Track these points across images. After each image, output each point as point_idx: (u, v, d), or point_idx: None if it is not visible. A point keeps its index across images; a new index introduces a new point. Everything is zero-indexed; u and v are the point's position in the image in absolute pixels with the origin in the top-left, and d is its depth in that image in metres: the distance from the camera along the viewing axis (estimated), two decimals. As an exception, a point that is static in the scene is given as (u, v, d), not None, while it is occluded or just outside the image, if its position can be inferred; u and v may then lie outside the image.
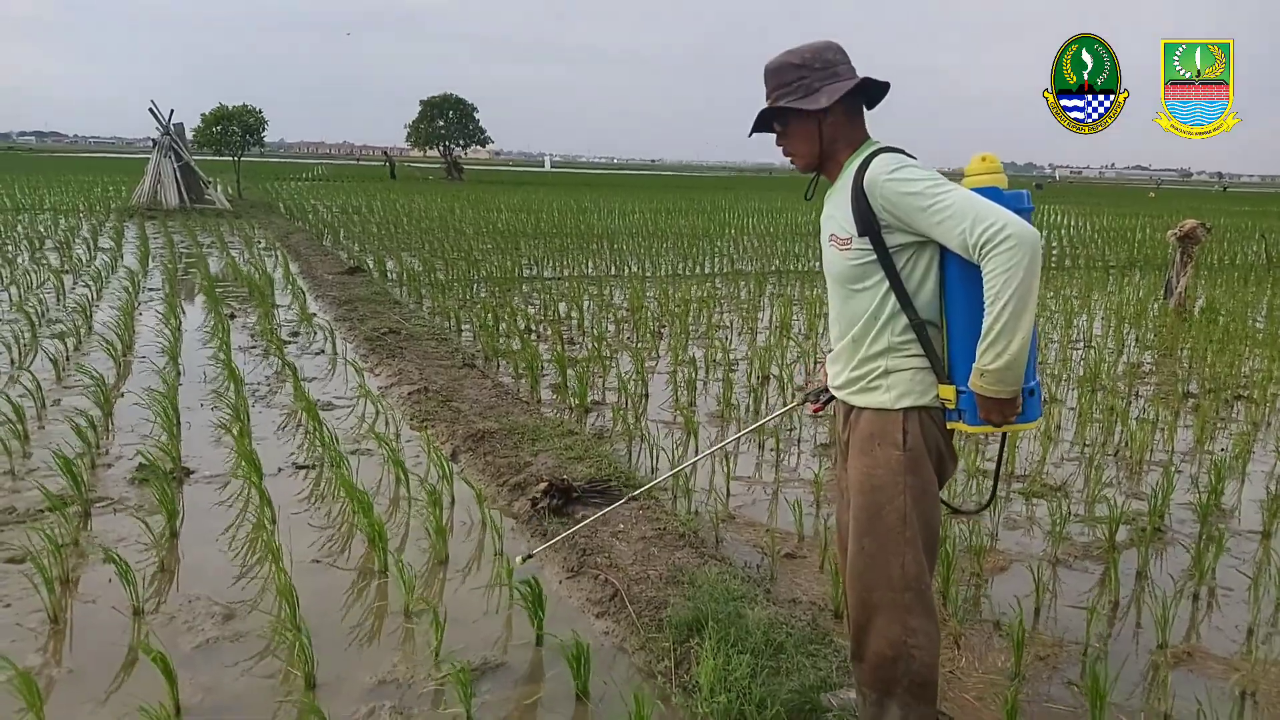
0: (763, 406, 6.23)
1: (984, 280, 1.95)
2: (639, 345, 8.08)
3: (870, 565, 2.18)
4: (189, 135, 27.56)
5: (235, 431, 5.02)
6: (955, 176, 2.23)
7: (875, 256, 2.11)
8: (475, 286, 11.48)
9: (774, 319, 9.56)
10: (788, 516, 4.27)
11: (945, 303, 2.12)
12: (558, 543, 3.60)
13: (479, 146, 64.97)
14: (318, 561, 3.70)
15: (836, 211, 2.19)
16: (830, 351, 2.36)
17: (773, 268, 14.23)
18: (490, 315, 8.99)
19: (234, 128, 28.86)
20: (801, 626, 3.12)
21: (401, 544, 3.92)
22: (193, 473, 4.60)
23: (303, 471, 4.72)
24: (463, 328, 8.89)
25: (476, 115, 60.35)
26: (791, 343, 8.21)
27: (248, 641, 3.07)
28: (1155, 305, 10.67)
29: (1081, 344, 8.70)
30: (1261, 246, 18.00)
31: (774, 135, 2.25)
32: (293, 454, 4.98)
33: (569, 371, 6.64)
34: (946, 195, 1.99)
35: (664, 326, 9.10)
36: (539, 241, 17.42)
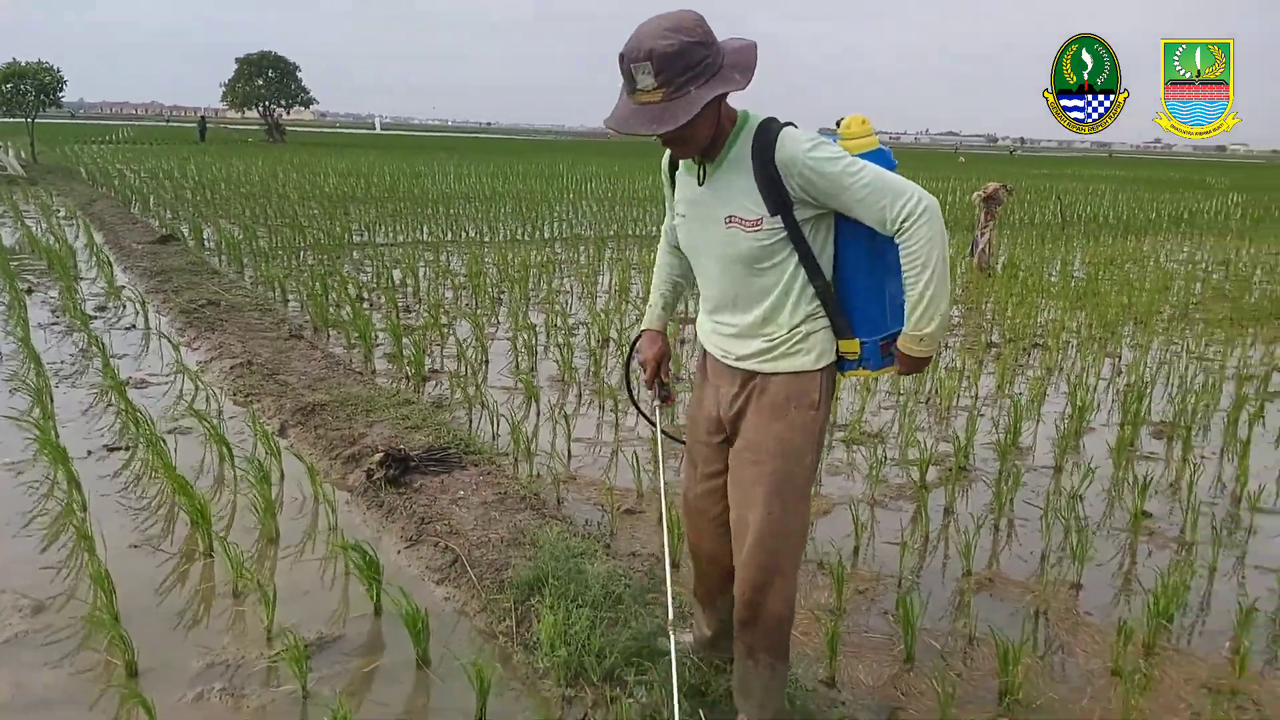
0: (603, 369, 6.31)
1: (905, 252, 1.99)
2: (478, 312, 8.00)
3: (778, 529, 2.17)
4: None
5: (37, 414, 4.66)
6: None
7: (786, 233, 2.05)
8: (302, 254, 11.00)
9: (613, 283, 9.66)
10: (627, 474, 4.38)
11: (840, 262, 2.16)
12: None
13: (302, 107, 61.89)
14: (136, 547, 3.51)
15: (732, 192, 2.07)
16: (712, 328, 2.27)
17: (611, 232, 14.33)
18: (319, 284, 8.64)
19: (27, 86, 26.22)
20: (639, 578, 3.23)
21: (228, 524, 3.77)
22: (-9, 461, 4.25)
23: (115, 454, 4.44)
24: (289, 297, 8.52)
25: (299, 75, 57.41)
26: (630, 306, 8.32)
27: (61, 634, 2.90)
28: (962, 263, 11.45)
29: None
30: (1057, 207, 19.56)
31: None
32: (103, 436, 4.67)
33: (405, 340, 6.51)
34: (863, 173, 1.98)
35: (503, 292, 9.03)
36: (370, 206, 16.84)
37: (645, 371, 2.48)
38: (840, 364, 2.22)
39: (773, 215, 2.02)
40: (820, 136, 2.05)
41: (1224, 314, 8.78)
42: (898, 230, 1.98)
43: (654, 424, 2.41)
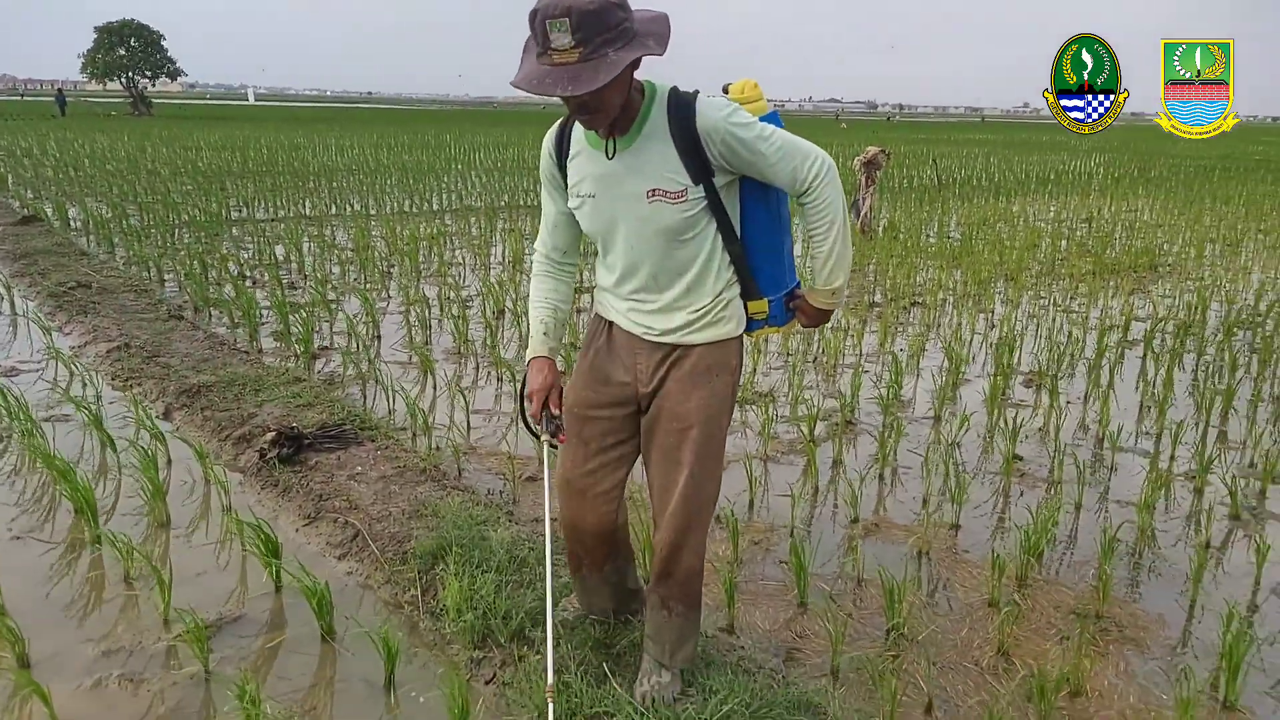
0: (499, 340, 6.30)
1: (813, 210, 2.06)
2: (367, 286, 7.85)
3: (698, 490, 2.22)
4: None
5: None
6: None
7: (707, 202, 2.06)
8: (177, 232, 10.53)
9: (506, 254, 9.60)
10: (528, 443, 4.42)
11: (743, 225, 2.19)
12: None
13: (168, 79, 58.76)
14: (18, 538, 3.37)
15: (652, 165, 2.02)
16: (629, 306, 2.23)
17: (503, 203, 14.18)
18: (197, 262, 8.32)
19: None
20: (543, 542, 3.28)
21: (113, 510, 3.65)
22: None
23: (-13, 445, 4.22)
24: (166, 277, 8.17)
25: (164, 44, 54.42)
26: (523, 276, 8.29)
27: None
28: (848, 226, 11.76)
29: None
30: (933, 170, 20.29)
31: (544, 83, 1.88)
32: (-29, 427, 4.43)
33: (291, 317, 6.34)
34: (774, 138, 2.01)
35: (393, 266, 8.87)
36: (247, 181, 16.19)
37: (532, 403, 2.32)
38: (748, 324, 2.27)
39: (695, 185, 2.02)
40: (733, 103, 2.06)
41: (1087, 268, 9.32)
42: (806, 189, 2.04)
43: (552, 444, 2.34)
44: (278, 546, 3.07)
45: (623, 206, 2.08)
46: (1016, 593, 3.21)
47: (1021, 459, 4.40)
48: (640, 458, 2.39)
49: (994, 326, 6.98)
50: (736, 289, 2.20)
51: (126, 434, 4.27)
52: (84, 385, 4.97)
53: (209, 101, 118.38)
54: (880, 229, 11.65)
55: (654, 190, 2.02)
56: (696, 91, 2.04)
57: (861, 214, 11.23)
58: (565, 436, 2.36)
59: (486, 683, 2.56)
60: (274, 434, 3.94)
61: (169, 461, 4.04)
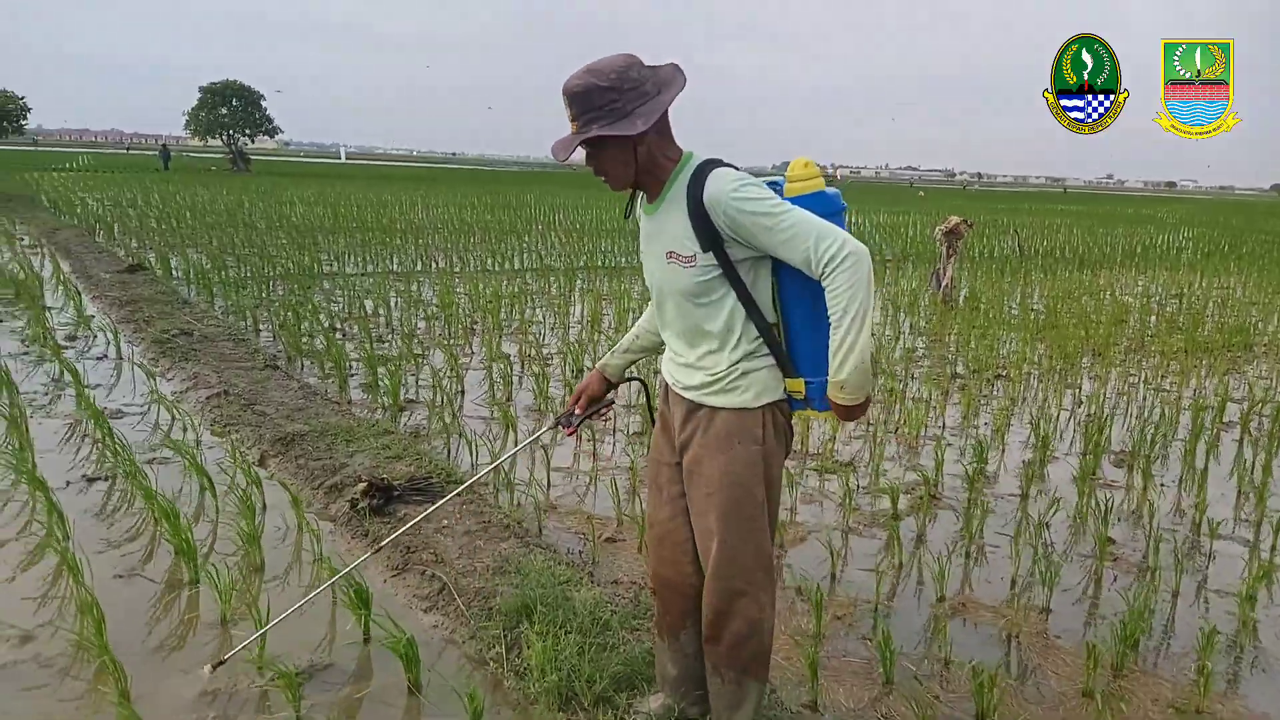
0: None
1: (828, 296, 2.02)
2: (451, 342, 8.04)
3: (732, 557, 2.24)
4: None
5: (15, 444, 4.63)
6: (757, 174, 2.38)
7: (721, 271, 2.12)
8: (272, 284, 10.98)
9: (585, 313, 9.75)
10: (606, 502, 4.45)
11: (782, 302, 2.20)
12: (384, 546, 3.58)
13: (267, 136, 61.66)
14: (121, 576, 3.51)
15: (671, 229, 2.16)
16: (669, 357, 2.37)
17: (581, 263, 14.44)
18: (291, 314, 8.65)
19: (-10, 114, 25.90)
20: (624, 604, 3.29)
21: (209, 553, 3.78)
22: (-34, 493, 4.21)
23: (94, 484, 4.42)
24: (261, 328, 8.50)
25: (264, 103, 57.25)
26: (602, 336, 8.41)
27: (51, 663, 2.90)
28: (925, 295, 11.69)
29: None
30: (1015, 241, 20.03)
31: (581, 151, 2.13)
32: (80, 466, 4.65)
33: (380, 370, 6.53)
34: (788, 215, 2.03)
35: (476, 322, 9.08)
36: (339, 236, 16.81)
37: (571, 400, 2.63)
38: (790, 402, 2.26)
39: (705, 252, 2.10)
40: (748, 177, 2.10)
41: (1178, 346, 9.05)
42: (822, 274, 2.02)
43: (556, 429, 2.61)
44: (369, 597, 3.14)
45: (653, 264, 2.26)
46: (1112, 683, 3.09)
47: (1114, 542, 4.26)
48: None
49: (1081, 403, 6.81)
50: (761, 362, 2.21)
51: (223, 479, 4.43)
52: (184, 430, 5.18)
53: (302, 159, 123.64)
54: (961, 299, 11.52)
55: (670, 252, 2.17)
56: (715, 163, 2.14)
57: (943, 284, 11.13)
58: (572, 431, 2.62)
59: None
60: (365, 484, 4.04)
61: (264, 507, 4.17)
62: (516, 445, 2.57)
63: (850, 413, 2.15)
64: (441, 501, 3.38)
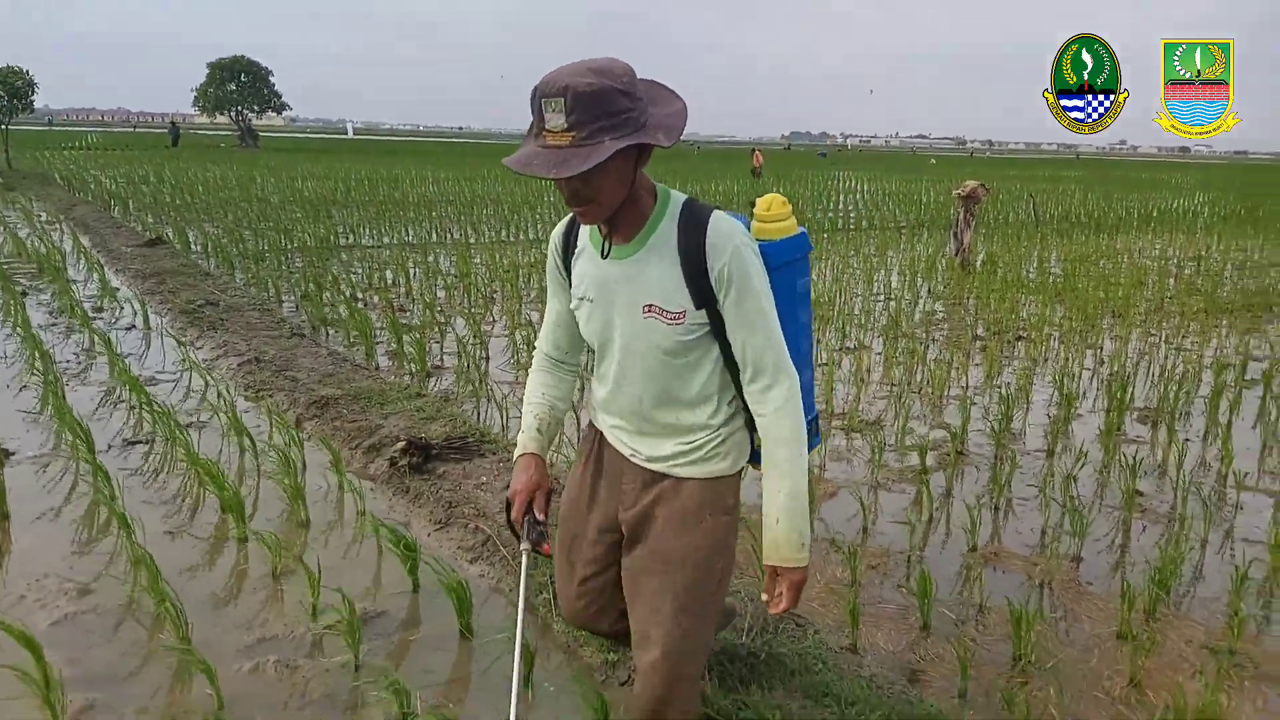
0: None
1: (770, 437, 1.85)
2: (472, 310, 8.09)
3: (685, 641, 1.93)
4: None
5: (52, 409, 4.71)
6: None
7: (709, 328, 1.84)
8: (290, 256, 11.03)
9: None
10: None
11: None
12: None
13: (274, 113, 61.57)
14: (170, 534, 3.59)
15: (653, 278, 1.83)
16: (617, 423, 2.03)
17: (594, 233, 14.43)
18: (312, 284, 8.71)
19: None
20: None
21: (254, 510, 3.86)
22: (12, 454, 4.30)
23: (134, 447, 4.50)
24: (283, 298, 8.57)
25: (272, 79, 57.10)
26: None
27: (110, 613, 2.98)
28: (942, 260, 11.68)
29: (882, 296, 9.44)
30: (1029, 205, 19.93)
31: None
32: (120, 430, 4.73)
33: (405, 337, 6.60)
34: (768, 309, 1.83)
35: (495, 291, 9.13)
36: (351, 210, 16.85)
37: (513, 506, 2.09)
38: (752, 456, 2.04)
39: (697, 309, 1.82)
40: (754, 241, 1.87)
41: (1198, 307, 9.05)
42: (764, 403, 1.85)
43: (535, 553, 2.08)
44: (416, 548, 3.21)
45: (618, 316, 1.89)
46: (1145, 626, 3.15)
47: (1142, 494, 4.30)
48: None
49: (1103, 363, 6.84)
50: (739, 422, 1.98)
51: (260, 441, 4.51)
52: (218, 395, 5.25)
53: (309, 134, 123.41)
54: (978, 263, 11.50)
55: (650, 306, 1.84)
56: (714, 208, 1.85)
57: (961, 247, 11.12)
58: (549, 547, 2.12)
59: (621, 684, 2.63)
60: (404, 443, 4.11)
61: (303, 467, 4.25)
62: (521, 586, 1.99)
63: (802, 579, 1.88)
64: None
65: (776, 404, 1.83)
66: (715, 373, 1.90)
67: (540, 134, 1.65)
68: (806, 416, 1.92)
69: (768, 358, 1.82)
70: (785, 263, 1.93)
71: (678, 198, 1.86)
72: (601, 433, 2.10)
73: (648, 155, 1.76)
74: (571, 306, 2.02)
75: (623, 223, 1.83)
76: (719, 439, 1.95)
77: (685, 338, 1.84)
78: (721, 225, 1.80)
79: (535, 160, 1.64)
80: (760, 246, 1.88)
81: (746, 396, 1.88)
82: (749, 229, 1.93)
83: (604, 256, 1.87)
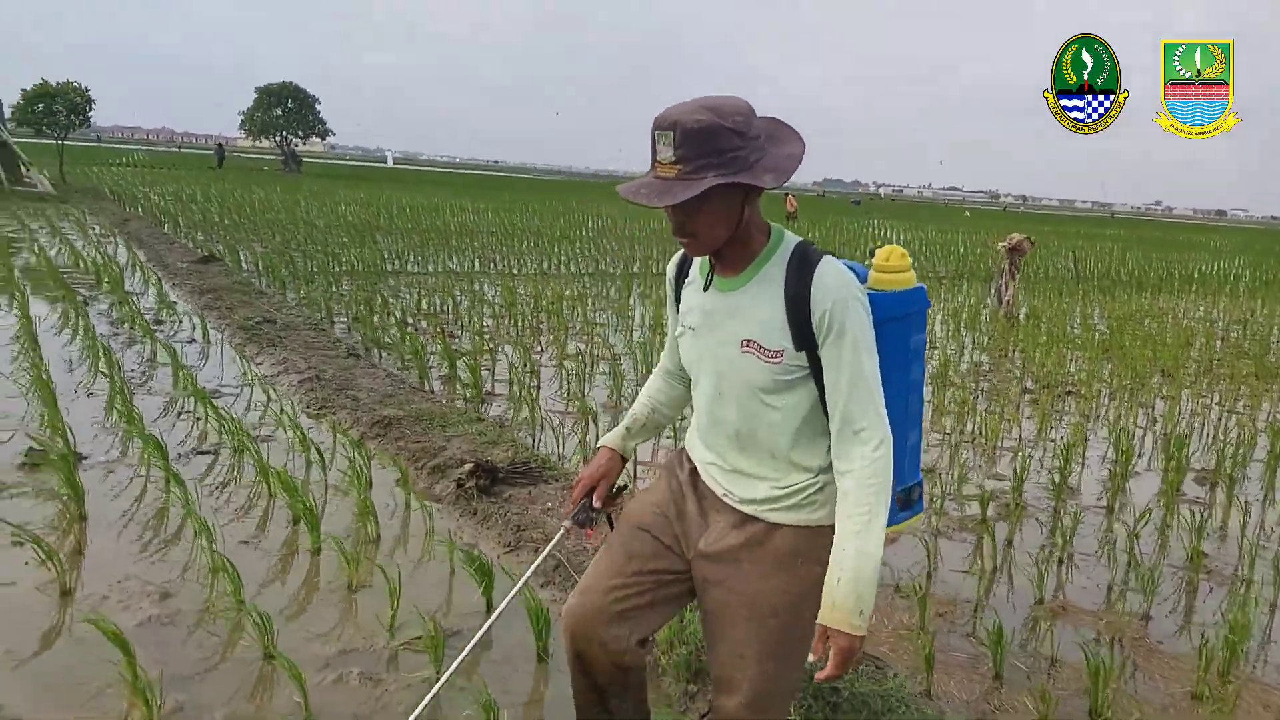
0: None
1: (852, 490, 1.75)
2: (520, 339, 8.18)
3: (771, 685, 1.89)
4: (6, 113, 25.25)
5: (122, 416, 4.81)
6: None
7: (808, 370, 1.80)
8: (339, 279, 11.20)
9: (647, 318, 9.85)
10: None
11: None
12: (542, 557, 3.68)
13: (317, 138, 62.78)
14: (245, 542, 3.64)
15: (756, 314, 1.81)
16: (711, 459, 1.98)
17: (635, 270, 14.56)
18: (362, 306, 8.84)
19: (58, 106, 26.59)
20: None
21: (324, 524, 3.90)
22: (85, 458, 4.38)
23: (204, 457, 4.58)
24: (334, 319, 8.70)
25: (318, 106, 58.30)
26: (664, 339, 8.48)
27: (192, 618, 3.03)
28: (985, 312, 11.66)
29: (927, 345, 9.41)
30: (1071, 261, 19.87)
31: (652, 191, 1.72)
32: (187, 440, 4.81)
33: (458, 362, 6.67)
34: (869, 360, 1.77)
35: (541, 321, 9.21)
36: (395, 237, 17.10)
37: (576, 488, 2.14)
38: None
39: (798, 351, 1.78)
40: (863, 291, 1.82)
41: (1248, 370, 8.97)
42: (850, 454, 1.77)
43: (576, 527, 2.10)
44: (490, 570, 3.24)
45: (717, 348, 1.87)
46: (1220, 688, 3.11)
47: (1207, 555, 4.26)
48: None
49: (1156, 421, 6.79)
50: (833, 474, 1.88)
51: (327, 456, 4.57)
52: (282, 410, 5.34)
53: (350, 162, 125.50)
54: (1021, 316, 11.47)
55: (749, 341, 1.81)
56: (826, 253, 1.82)
57: (1005, 301, 11.11)
58: (593, 533, 2.10)
59: (701, 717, 2.63)
60: (472, 465, 4.16)
61: (369, 484, 4.30)
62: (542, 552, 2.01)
63: (852, 648, 1.73)
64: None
65: (863, 459, 1.74)
66: (814, 413, 1.84)
67: (653, 165, 1.72)
68: (909, 481, 1.88)
69: (857, 408, 1.75)
70: (899, 316, 1.89)
71: (791, 239, 1.85)
72: (695, 464, 2.04)
73: (757, 194, 1.77)
74: (676, 334, 2.03)
75: (730, 258, 1.83)
76: (816, 486, 1.87)
77: (782, 377, 1.80)
78: (828, 270, 1.77)
79: (643, 189, 1.71)
80: (874, 297, 1.84)
81: (832, 446, 1.80)
82: (865, 279, 1.91)
83: (705, 289, 1.89)
